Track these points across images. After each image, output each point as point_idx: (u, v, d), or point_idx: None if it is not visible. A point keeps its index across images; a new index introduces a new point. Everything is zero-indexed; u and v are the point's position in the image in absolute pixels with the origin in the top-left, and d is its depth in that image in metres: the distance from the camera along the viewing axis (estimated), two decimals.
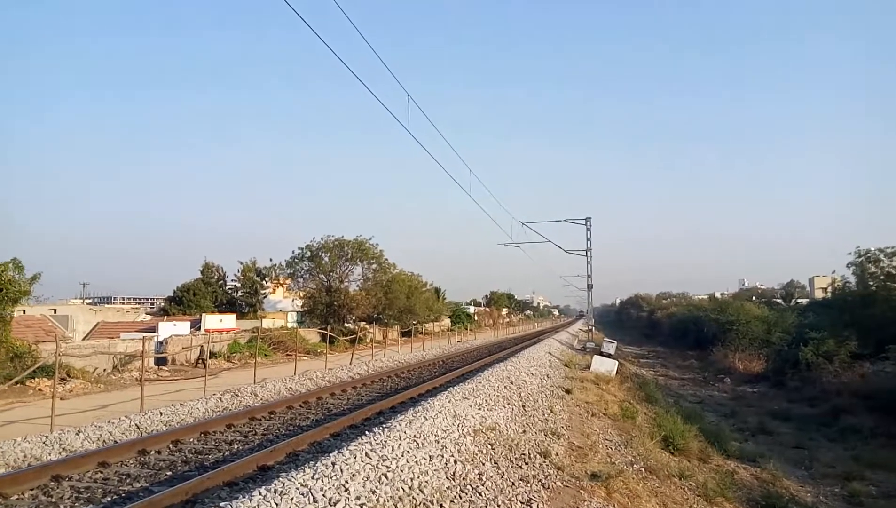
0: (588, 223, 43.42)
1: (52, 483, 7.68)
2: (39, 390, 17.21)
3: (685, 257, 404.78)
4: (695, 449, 14.49)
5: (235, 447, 10.03)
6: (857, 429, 19.68)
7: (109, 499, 7.23)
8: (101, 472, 8.30)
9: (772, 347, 36.98)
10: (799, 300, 76.42)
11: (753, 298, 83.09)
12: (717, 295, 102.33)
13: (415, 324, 50.88)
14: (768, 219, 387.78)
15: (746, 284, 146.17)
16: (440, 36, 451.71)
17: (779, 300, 77.62)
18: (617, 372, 26.00)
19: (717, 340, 44.04)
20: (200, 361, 25.66)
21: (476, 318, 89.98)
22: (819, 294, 70.86)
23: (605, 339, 43.03)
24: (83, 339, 33.80)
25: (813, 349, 28.85)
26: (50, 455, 9.13)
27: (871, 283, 30.66)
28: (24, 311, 29.51)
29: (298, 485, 6.17)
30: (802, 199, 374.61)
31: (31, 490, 7.45)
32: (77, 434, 10.15)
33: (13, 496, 7.21)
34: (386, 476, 6.84)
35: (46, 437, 9.86)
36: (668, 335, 73.68)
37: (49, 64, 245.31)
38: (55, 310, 40.16)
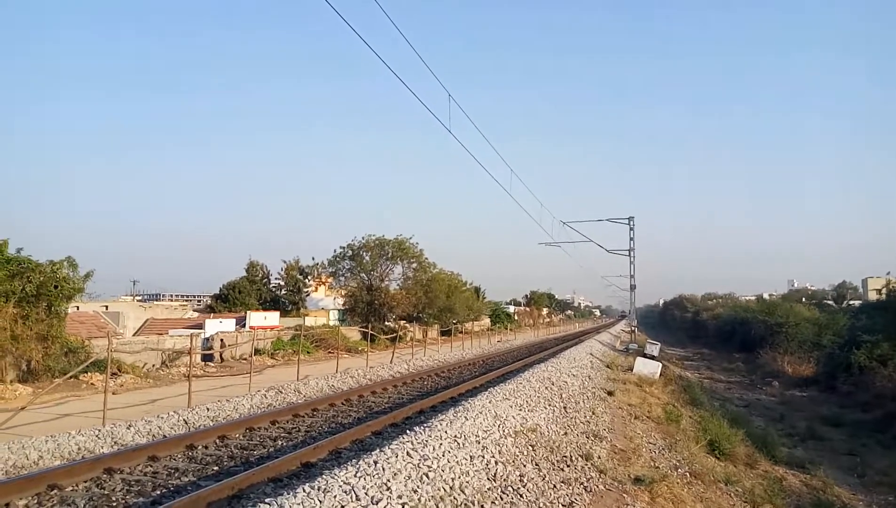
0: (631, 223, 42.82)
1: (105, 476, 7.93)
2: (92, 384, 17.80)
3: (732, 257, 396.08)
4: (741, 454, 14.18)
5: (279, 443, 10.20)
6: None
7: (159, 492, 7.43)
8: (151, 466, 8.54)
9: (822, 350, 35.94)
10: (851, 302, 74.02)
11: (803, 299, 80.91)
12: (766, 296, 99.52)
13: (454, 323, 50.88)
14: (819, 219, 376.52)
15: (796, 285, 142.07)
16: (461, 39, 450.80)
17: (830, 302, 75.51)
18: (661, 374, 25.55)
19: (765, 342, 43.01)
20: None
21: (516, 318, 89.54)
22: (873, 296, 68.28)
23: (649, 340, 42.26)
24: (133, 335, 34.76)
25: (866, 352, 27.88)
26: (102, 448, 9.43)
27: None
28: (77, 307, 30.49)
29: (341, 483, 6.24)
30: (855, 199, 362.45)
31: (85, 482, 7.70)
32: (128, 429, 10.48)
33: (68, 487, 7.47)
34: (427, 476, 6.86)
35: (99, 431, 10.20)
36: (713, 337, 72.17)
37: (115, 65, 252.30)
38: (107, 307, 41.32)
